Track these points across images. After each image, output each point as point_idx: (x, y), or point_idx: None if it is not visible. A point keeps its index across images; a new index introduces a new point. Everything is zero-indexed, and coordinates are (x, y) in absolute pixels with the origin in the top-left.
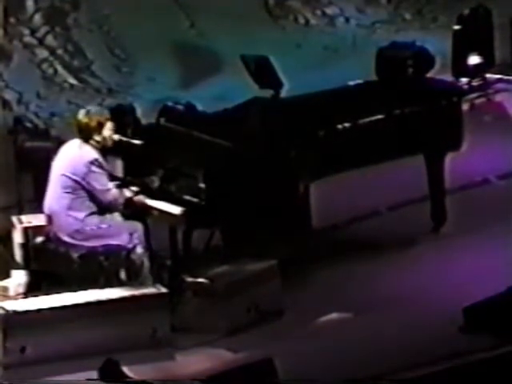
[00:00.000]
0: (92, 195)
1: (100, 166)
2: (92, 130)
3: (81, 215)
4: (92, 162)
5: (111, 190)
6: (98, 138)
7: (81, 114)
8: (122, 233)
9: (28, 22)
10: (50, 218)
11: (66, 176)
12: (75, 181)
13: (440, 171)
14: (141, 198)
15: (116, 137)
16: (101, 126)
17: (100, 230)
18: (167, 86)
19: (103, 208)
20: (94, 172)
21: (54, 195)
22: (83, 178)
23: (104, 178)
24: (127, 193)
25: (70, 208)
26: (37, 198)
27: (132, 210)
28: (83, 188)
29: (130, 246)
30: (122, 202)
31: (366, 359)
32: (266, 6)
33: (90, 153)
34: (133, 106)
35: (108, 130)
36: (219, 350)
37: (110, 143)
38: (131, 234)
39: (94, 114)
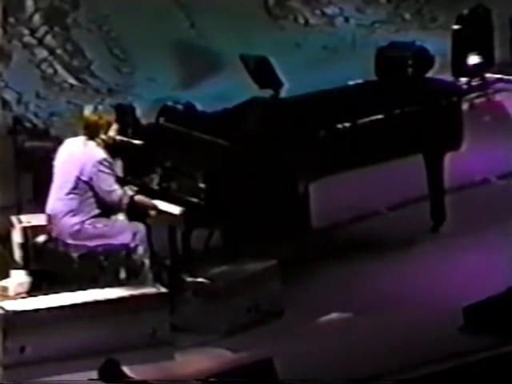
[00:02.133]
0: (98, 196)
1: (108, 166)
2: (100, 128)
3: (85, 216)
4: (101, 162)
5: (117, 191)
6: (103, 136)
7: (88, 111)
8: (125, 232)
9: (27, 21)
10: (50, 219)
11: (75, 177)
12: (84, 181)
13: (440, 171)
14: (141, 197)
15: (116, 137)
16: (109, 125)
17: (103, 229)
18: (167, 86)
19: (107, 208)
20: (102, 172)
21: (60, 196)
22: (91, 178)
23: (111, 179)
24: (128, 192)
25: (75, 210)
26: (36, 198)
27: (133, 211)
28: (91, 189)
29: (132, 245)
30: (126, 202)
31: (367, 359)
32: (266, 6)
33: (97, 152)
34: (133, 106)
35: (113, 131)
36: (219, 350)
37: (111, 142)
38: (134, 234)
39: (104, 112)
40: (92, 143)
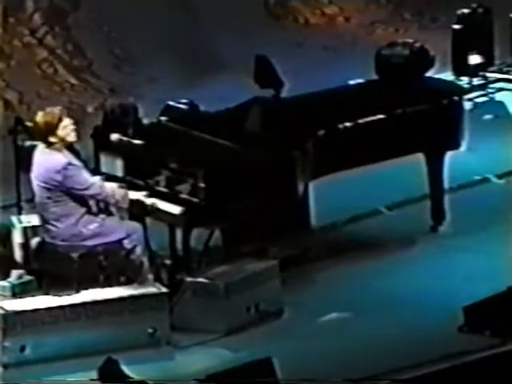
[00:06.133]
0: (77, 196)
1: (74, 169)
2: (52, 127)
3: (73, 220)
4: (65, 168)
5: (94, 184)
6: (55, 139)
7: (38, 116)
8: (120, 228)
9: (27, 21)
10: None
11: (46, 188)
12: (57, 190)
13: (440, 170)
14: (140, 197)
15: (116, 136)
16: (60, 120)
17: (96, 229)
18: (168, 86)
19: (92, 204)
20: (69, 176)
21: (42, 206)
22: (62, 185)
23: (81, 176)
24: (132, 195)
25: (60, 216)
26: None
27: (132, 210)
28: (66, 193)
29: (130, 246)
30: (107, 192)
31: (366, 359)
32: (266, 6)
33: (58, 159)
34: (135, 106)
35: (63, 129)
36: (219, 350)
37: (71, 139)
38: (129, 235)
39: (45, 115)
40: (52, 152)
